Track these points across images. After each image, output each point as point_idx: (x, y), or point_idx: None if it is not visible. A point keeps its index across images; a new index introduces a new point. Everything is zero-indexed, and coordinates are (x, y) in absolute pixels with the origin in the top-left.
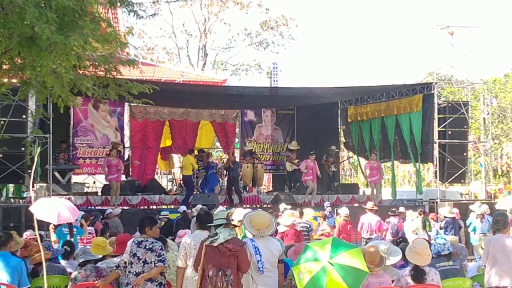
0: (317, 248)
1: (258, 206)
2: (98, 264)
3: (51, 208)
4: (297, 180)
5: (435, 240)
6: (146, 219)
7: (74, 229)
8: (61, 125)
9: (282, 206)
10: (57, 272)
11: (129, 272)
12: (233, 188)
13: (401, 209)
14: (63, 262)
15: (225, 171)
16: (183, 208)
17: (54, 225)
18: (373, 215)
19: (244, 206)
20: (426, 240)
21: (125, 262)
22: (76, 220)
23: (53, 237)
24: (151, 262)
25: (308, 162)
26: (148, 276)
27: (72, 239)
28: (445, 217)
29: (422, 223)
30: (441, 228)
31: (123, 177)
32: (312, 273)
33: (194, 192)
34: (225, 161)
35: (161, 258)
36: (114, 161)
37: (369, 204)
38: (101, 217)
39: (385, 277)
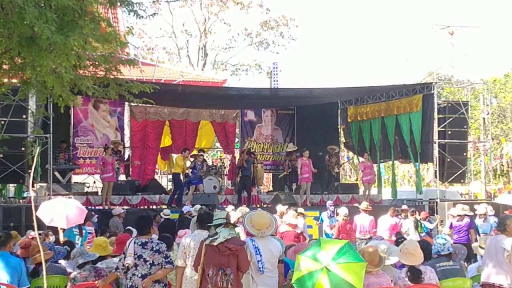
0: (326, 247)
1: (258, 206)
2: (98, 264)
3: (59, 212)
4: (297, 180)
5: (435, 240)
6: (147, 218)
7: (84, 230)
8: (61, 125)
9: (279, 207)
10: (57, 272)
11: (133, 274)
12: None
13: (404, 207)
14: (63, 262)
15: (238, 170)
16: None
17: None
18: (366, 215)
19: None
20: (424, 241)
21: (128, 266)
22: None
23: (61, 237)
24: (158, 264)
25: (304, 159)
26: (155, 278)
27: (80, 240)
28: (458, 215)
29: (414, 224)
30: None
31: (123, 177)
32: (309, 270)
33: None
34: (237, 160)
35: (168, 259)
36: (109, 160)
37: (363, 205)
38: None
39: (384, 277)
